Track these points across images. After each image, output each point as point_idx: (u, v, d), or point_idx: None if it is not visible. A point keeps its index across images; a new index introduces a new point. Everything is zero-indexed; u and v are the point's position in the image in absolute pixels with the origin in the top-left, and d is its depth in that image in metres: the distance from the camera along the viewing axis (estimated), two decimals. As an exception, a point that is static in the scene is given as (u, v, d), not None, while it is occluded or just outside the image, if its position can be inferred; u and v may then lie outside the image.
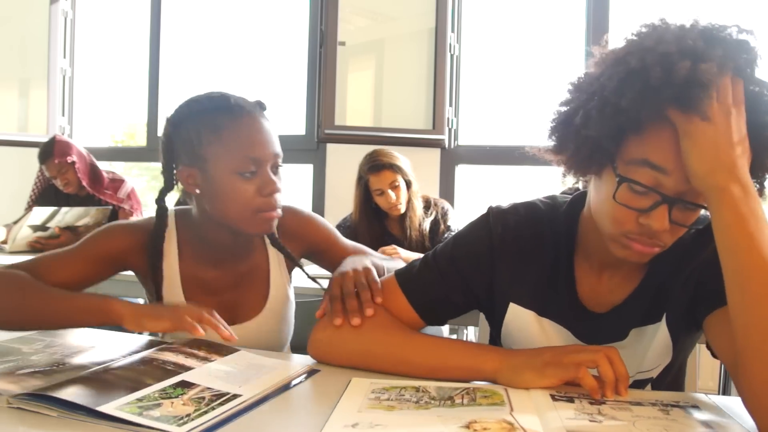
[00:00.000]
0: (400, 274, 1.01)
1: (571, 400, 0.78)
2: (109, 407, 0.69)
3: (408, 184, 2.50)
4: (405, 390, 0.81)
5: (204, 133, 1.05)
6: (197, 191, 1.08)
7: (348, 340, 0.94)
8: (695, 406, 0.79)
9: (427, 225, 2.55)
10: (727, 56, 0.72)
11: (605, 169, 0.83)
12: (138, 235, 1.13)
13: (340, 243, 1.28)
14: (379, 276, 1.05)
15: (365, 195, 2.52)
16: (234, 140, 1.04)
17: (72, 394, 0.72)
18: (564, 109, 0.85)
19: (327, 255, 1.26)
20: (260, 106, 1.12)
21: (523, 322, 0.98)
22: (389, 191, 2.45)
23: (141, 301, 1.65)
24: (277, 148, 1.09)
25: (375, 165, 2.46)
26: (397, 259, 1.32)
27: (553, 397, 0.79)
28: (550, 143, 0.88)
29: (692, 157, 0.73)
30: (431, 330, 2.49)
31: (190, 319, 0.93)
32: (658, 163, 0.76)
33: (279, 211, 1.09)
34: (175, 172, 1.10)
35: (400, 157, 2.52)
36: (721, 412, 0.77)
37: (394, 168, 2.45)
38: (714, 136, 0.72)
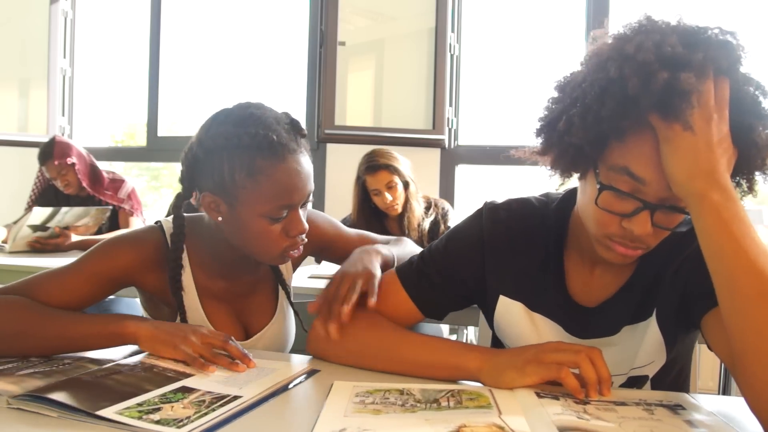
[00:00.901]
0: (399, 267, 1.05)
1: (556, 397, 0.78)
2: (108, 411, 0.69)
3: (405, 185, 2.50)
4: (389, 393, 0.81)
5: (238, 173, 0.96)
6: (219, 219, 1.01)
7: (342, 339, 0.95)
8: (678, 405, 0.79)
9: (426, 225, 2.55)
10: (708, 59, 0.72)
11: (589, 172, 0.84)
12: (143, 249, 1.06)
13: (345, 235, 1.27)
14: (389, 267, 1.08)
15: (363, 195, 2.53)
16: (270, 187, 0.96)
17: (71, 397, 0.72)
18: (552, 107, 0.85)
19: (333, 250, 1.25)
20: (300, 133, 1.03)
21: (514, 315, 0.99)
22: (385, 192, 2.46)
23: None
24: (311, 184, 1.02)
25: (371, 165, 2.46)
26: (406, 240, 1.29)
27: (538, 394, 0.79)
28: (536, 144, 0.89)
29: (671, 163, 0.73)
30: (430, 330, 2.49)
31: (202, 359, 0.89)
32: (637, 173, 0.77)
33: (302, 248, 1.05)
34: (197, 194, 1.03)
35: (399, 157, 2.52)
36: (704, 410, 0.78)
37: (390, 169, 2.46)
38: (693, 142, 0.72)
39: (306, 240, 1.05)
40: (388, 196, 2.46)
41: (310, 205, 1.07)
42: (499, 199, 1.04)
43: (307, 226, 1.03)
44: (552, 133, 0.83)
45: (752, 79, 0.76)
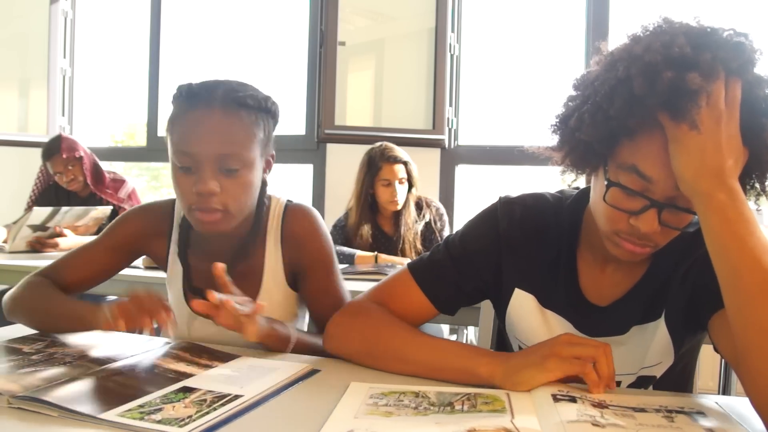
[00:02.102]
0: (412, 264, 1.03)
1: (573, 399, 0.76)
2: (110, 414, 0.69)
3: (410, 186, 2.54)
4: (404, 395, 0.79)
5: (169, 118, 1.06)
6: None
7: (354, 338, 0.96)
8: (700, 412, 0.76)
9: (420, 226, 2.57)
10: (717, 59, 0.72)
11: (599, 168, 0.84)
12: (151, 216, 1.17)
13: (332, 278, 1.15)
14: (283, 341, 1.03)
15: (369, 182, 2.53)
16: (177, 131, 1.02)
17: (73, 400, 0.72)
18: (567, 104, 0.86)
19: (311, 282, 1.15)
20: (237, 102, 1.02)
21: (527, 310, 0.99)
22: (396, 184, 2.48)
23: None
24: (225, 147, 0.99)
25: (393, 156, 2.51)
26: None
27: (554, 397, 0.76)
28: (550, 141, 0.89)
29: (679, 162, 0.73)
30: (430, 330, 2.50)
31: (124, 316, 0.94)
32: (645, 172, 0.77)
33: (216, 216, 1.01)
34: None
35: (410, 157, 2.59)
36: (728, 417, 0.75)
37: (408, 165, 2.53)
38: (701, 142, 0.72)
39: (216, 206, 1.00)
40: (399, 189, 2.49)
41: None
42: (513, 193, 1.04)
43: (212, 188, 0.99)
44: (564, 129, 0.84)
45: (765, 80, 0.76)
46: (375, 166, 2.52)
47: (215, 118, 1.00)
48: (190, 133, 1.00)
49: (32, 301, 1.10)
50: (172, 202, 1.18)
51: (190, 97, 1.02)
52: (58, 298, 1.09)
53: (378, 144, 2.58)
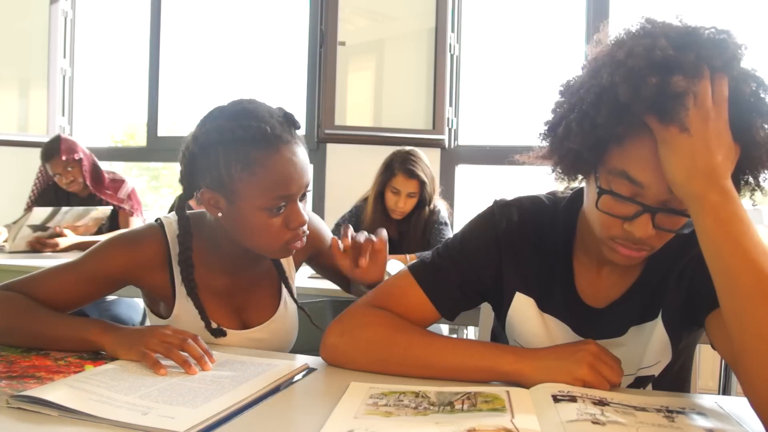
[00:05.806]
0: (413, 268, 1.01)
1: (573, 399, 0.77)
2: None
3: (421, 203, 2.50)
4: (404, 395, 0.80)
5: (234, 167, 0.96)
6: (219, 214, 1.02)
7: (366, 345, 0.93)
8: (702, 413, 0.76)
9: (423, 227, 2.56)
10: (700, 59, 0.72)
11: (590, 175, 0.84)
12: (141, 250, 1.06)
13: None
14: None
15: (382, 184, 2.50)
16: (265, 179, 0.97)
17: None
18: (556, 110, 0.86)
19: (327, 255, 1.24)
20: (294, 125, 1.03)
21: (527, 313, 0.99)
22: (404, 197, 2.45)
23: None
24: (308, 176, 1.02)
25: (411, 170, 2.43)
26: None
27: (555, 397, 0.77)
28: (540, 148, 0.89)
29: (670, 165, 0.73)
30: (432, 329, 2.49)
31: (154, 355, 0.87)
32: (636, 178, 0.77)
33: (305, 239, 1.06)
34: (196, 192, 1.04)
35: (436, 179, 2.53)
36: (728, 418, 0.75)
37: (423, 185, 2.45)
38: (690, 144, 0.72)
39: (308, 232, 1.05)
40: (405, 202, 2.45)
41: (309, 198, 1.06)
42: (508, 196, 1.03)
43: (307, 217, 1.03)
44: (553, 137, 0.84)
45: (752, 76, 0.75)
46: (391, 171, 2.46)
47: (298, 151, 1.01)
48: (284, 176, 0.98)
49: (11, 320, 0.98)
50: (160, 233, 1.09)
51: (271, 139, 0.97)
52: (50, 316, 0.98)
53: (407, 148, 2.51)
